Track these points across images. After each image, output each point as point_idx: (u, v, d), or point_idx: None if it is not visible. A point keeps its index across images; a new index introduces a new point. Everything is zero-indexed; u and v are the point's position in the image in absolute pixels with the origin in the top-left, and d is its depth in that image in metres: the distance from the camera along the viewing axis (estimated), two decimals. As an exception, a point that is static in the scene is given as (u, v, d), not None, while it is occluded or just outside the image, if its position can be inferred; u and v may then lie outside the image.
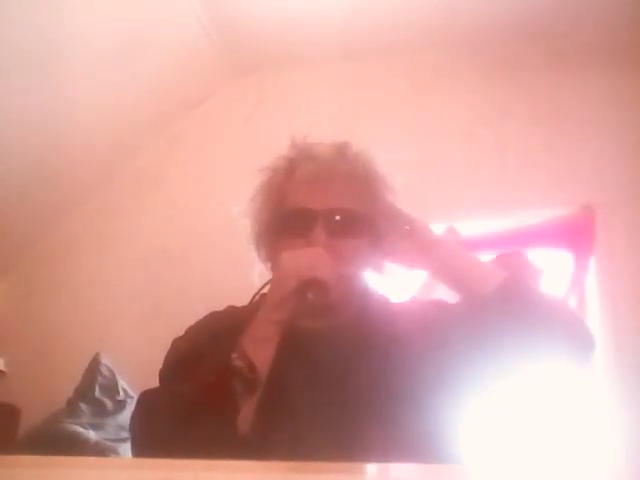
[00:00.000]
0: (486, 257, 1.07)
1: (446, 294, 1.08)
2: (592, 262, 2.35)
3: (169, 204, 2.81)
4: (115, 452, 2.23)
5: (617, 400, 2.16)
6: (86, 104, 2.51)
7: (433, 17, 2.52)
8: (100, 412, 2.39)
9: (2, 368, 2.66)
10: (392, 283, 1.13)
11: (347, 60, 2.77)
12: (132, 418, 0.94)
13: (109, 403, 2.41)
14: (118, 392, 2.45)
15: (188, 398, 0.86)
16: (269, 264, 1.05)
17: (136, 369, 2.39)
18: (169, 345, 1.05)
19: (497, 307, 0.93)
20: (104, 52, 2.38)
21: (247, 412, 0.86)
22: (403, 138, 2.52)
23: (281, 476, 0.53)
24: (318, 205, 0.97)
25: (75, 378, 2.47)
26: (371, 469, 0.58)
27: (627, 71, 2.46)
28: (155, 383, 1.00)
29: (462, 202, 2.45)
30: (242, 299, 1.06)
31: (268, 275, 1.05)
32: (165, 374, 1.00)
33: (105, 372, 2.48)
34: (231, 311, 1.08)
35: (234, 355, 0.86)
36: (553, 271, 2.46)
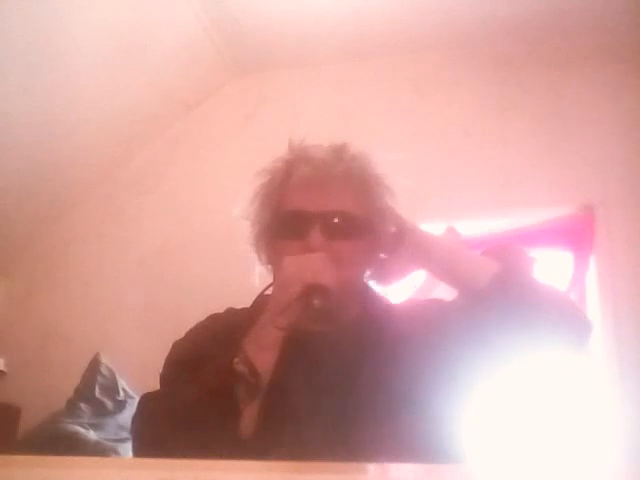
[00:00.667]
0: (479, 250, 1.08)
1: (445, 292, 1.08)
2: (592, 262, 2.35)
3: (169, 204, 2.81)
4: (115, 452, 2.23)
5: (618, 397, 2.16)
6: (86, 104, 2.51)
7: (433, 17, 2.52)
8: (100, 412, 2.39)
9: (2, 368, 2.66)
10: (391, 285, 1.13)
11: (347, 60, 2.77)
12: (133, 421, 0.94)
13: (109, 403, 2.41)
14: (118, 392, 2.45)
15: (190, 402, 0.85)
16: (270, 266, 1.05)
17: (136, 369, 2.39)
18: (169, 345, 1.04)
19: (493, 297, 0.93)
20: (104, 52, 2.38)
21: (249, 416, 0.85)
22: (403, 138, 2.53)
23: (281, 476, 0.53)
24: (315, 207, 0.97)
25: (75, 378, 2.47)
26: (371, 469, 0.57)
27: (627, 71, 2.47)
28: (155, 383, 1.00)
29: (462, 202, 2.45)
30: (242, 300, 1.06)
31: (268, 276, 1.05)
32: (166, 377, 1.00)
33: (105, 372, 2.48)
34: (232, 313, 1.08)
35: (236, 359, 0.86)
36: (553, 271, 2.46)
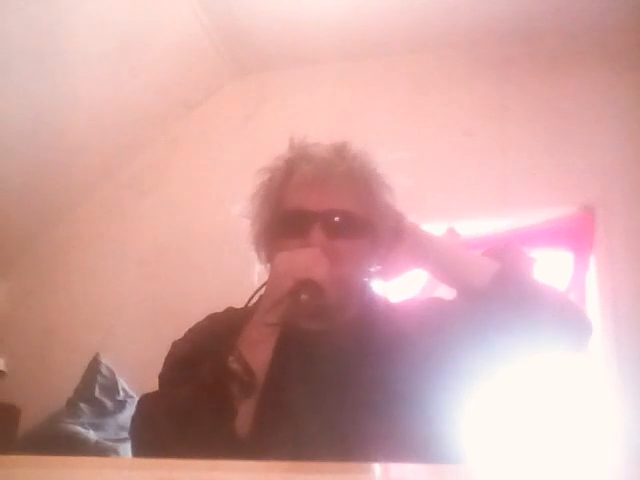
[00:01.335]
0: (479, 250, 1.08)
1: (447, 292, 1.08)
2: (592, 262, 2.35)
3: (169, 204, 2.81)
4: (115, 452, 2.23)
5: (618, 397, 2.16)
6: (86, 104, 2.51)
7: (433, 17, 2.52)
8: (100, 412, 2.39)
9: (2, 368, 2.66)
10: (392, 283, 1.13)
11: (347, 60, 2.77)
12: (132, 422, 0.95)
13: (109, 403, 2.42)
14: (118, 392, 2.45)
15: (185, 402, 0.86)
16: (268, 265, 1.04)
17: (136, 369, 2.39)
18: (169, 345, 1.05)
19: (493, 297, 0.94)
20: (104, 52, 2.38)
21: (245, 415, 0.85)
22: (403, 138, 2.53)
23: (281, 476, 0.53)
24: (316, 206, 0.97)
25: (75, 378, 2.47)
26: (371, 469, 0.57)
27: (627, 71, 2.46)
28: (155, 383, 1.00)
29: (462, 202, 2.45)
30: (242, 299, 1.06)
31: (267, 276, 1.05)
32: (165, 377, 1.00)
33: (105, 372, 2.48)
34: (231, 313, 1.07)
35: (231, 358, 0.86)
36: (553, 271, 2.46)
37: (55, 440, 2.19)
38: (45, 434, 2.24)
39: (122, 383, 2.48)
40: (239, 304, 1.08)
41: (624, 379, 2.16)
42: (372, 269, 1.05)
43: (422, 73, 2.72)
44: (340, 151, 1.02)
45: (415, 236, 1.03)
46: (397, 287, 1.16)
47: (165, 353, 1.03)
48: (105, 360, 2.52)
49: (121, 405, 2.42)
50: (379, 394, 0.91)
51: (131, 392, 2.46)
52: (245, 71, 2.92)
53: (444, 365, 0.93)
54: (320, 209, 0.97)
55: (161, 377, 1.00)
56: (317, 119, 2.53)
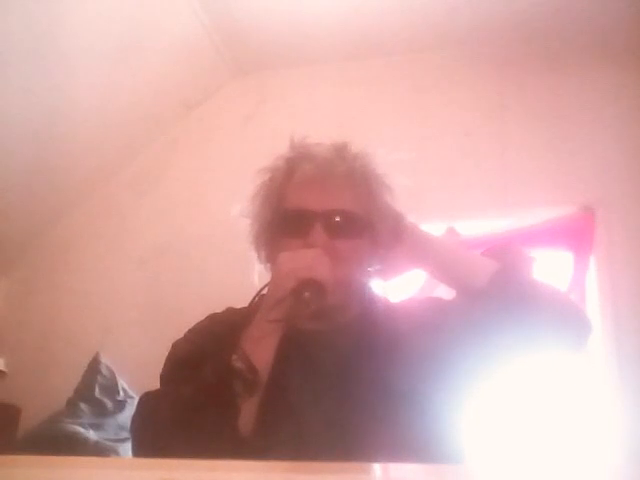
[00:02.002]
0: (478, 250, 1.08)
1: (446, 292, 1.08)
2: (592, 262, 2.35)
3: (169, 204, 2.81)
4: (115, 452, 2.23)
5: (618, 397, 2.16)
6: (86, 104, 2.51)
7: (433, 17, 2.52)
8: (100, 412, 2.39)
9: (2, 368, 2.66)
10: (392, 283, 1.13)
11: (347, 60, 2.77)
12: (133, 420, 0.94)
13: (109, 403, 2.41)
14: (118, 392, 2.45)
15: (188, 400, 0.86)
16: (268, 265, 1.05)
17: (136, 369, 2.39)
18: (169, 345, 1.05)
19: (492, 297, 0.93)
20: (104, 52, 2.38)
21: (248, 413, 0.86)
22: (403, 138, 2.53)
23: (281, 476, 0.53)
24: (317, 206, 0.97)
25: (75, 378, 2.47)
26: (371, 469, 0.58)
27: (627, 71, 2.47)
28: (155, 383, 1.00)
29: (462, 202, 2.45)
30: (242, 299, 1.06)
31: (267, 276, 1.05)
32: (166, 376, 1.00)
33: (105, 372, 2.48)
34: (231, 313, 1.08)
35: (234, 356, 0.86)
36: (553, 271, 2.46)
37: (55, 440, 2.19)
38: (45, 434, 2.24)
39: (122, 383, 2.48)
40: (239, 304, 1.09)
41: (624, 378, 2.16)
42: (372, 269, 1.05)
43: (422, 73, 2.72)
44: (341, 151, 1.02)
45: (415, 236, 1.03)
46: (396, 287, 1.16)
47: (165, 353, 1.03)
48: (105, 360, 2.52)
49: (121, 405, 2.42)
50: (380, 394, 0.91)
51: (131, 392, 2.46)
52: (245, 71, 2.92)
53: (444, 365, 0.94)
54: (321, 209, 0.97)
55: (162, 377, 1.00)
56: (317, 119, 2.53)
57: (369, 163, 1.03)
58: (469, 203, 2.45)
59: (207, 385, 0.86)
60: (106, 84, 2.50)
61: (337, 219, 0.97)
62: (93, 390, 2.42)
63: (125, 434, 2.32)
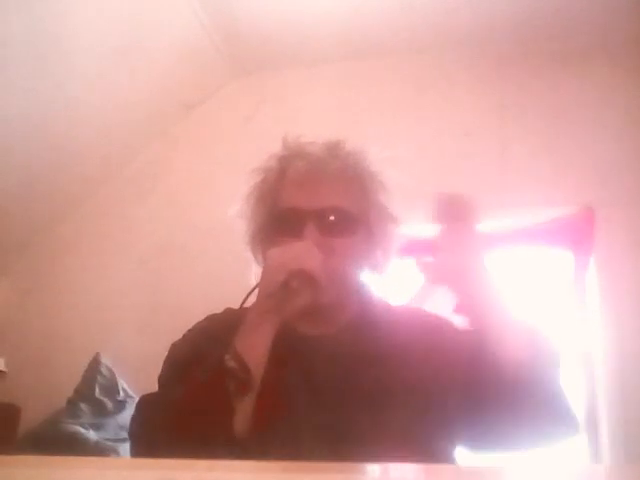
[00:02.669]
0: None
1: (443, 299, 1.05)
2: (592, 261, 2.35)
3: (169, 204, 2.81)
4: (115, 452, 2.23)
5: (618, 398, 2.16)
6: (86, 103, 2.51)
7: (433, 17, 2.52)
8: (100, 412, 2.39)
9: (2, 368, 2.66)
10: (389, 283, 1.11)
11: (347, 60, 2.77)
12: (131, 424, 0.94)
13: (109, 403, 2.42)
14: (118, 392, 2.45)
15: (182, 403, 0.85)
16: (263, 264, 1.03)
17: (136, 369, 2.39)
18: (169, 345, 1.04)
19: (508, 383, 0.85)
20: (104, 52, 2.38)
21: (243, 414, 0.84)
22: (403, 138, 2.52)
23: (281, 476, 0.53)
24: (310, 204, 0.96)
25: (75, 378, 2.47)
26: (371, 469, 0.57)
27: (627, 71, 2.46)
28: (155, 383, 1.00)
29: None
30: (241, 298, 1.06)
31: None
32: (163, 379, 1.00)
33: (105, 372, 2.48)
34: (230, 313, 1.07)
35: (226, 356, 0.85)
36: (553, 271, 2.47)
37: (55, 440, 2.19)
38: (45, 434, 2.24)
39: (122, 383, 2.48)
40: (238, 303, 1.08)
41: (624, 378, 2.16)
42: (367, 268, 1.03)
43: (422, 73, 2.72)
44: (333, 149, 1.02)
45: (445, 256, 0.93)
46: (392, 288, 1.13)
47: (165, 353, 1.03)
48: (105, 360, 2.52)
49: (121, 405, 2.42)
50: (378, 397, 0.90)
51: (131, 392, 2.46)
52: (245, 71, 2.92)
53: (441, 387, 0.91)
54: (313, 207, 0.96)
55: (160, 379, 1.00)
56: (317, 119, 2.53)
57: (363, 160, 1.02)
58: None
59: (200, 386, 0.85)
60: (106, 84, 2.50)
61: (331, 217, 0.96)
62: (93, 390, 2.42)
63: (125, 434, 2.31)
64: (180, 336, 1.06)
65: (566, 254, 2.40)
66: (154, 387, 0.99)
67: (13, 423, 2.42)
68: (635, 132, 2.40)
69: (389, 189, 1.03)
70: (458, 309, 0.92)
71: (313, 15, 2.54)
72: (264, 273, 0.92)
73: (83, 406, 2.38)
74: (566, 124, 2.50)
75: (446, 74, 2.70)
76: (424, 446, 0.86)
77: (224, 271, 2.43)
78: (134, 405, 0.96)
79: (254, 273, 1.03)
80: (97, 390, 2.42)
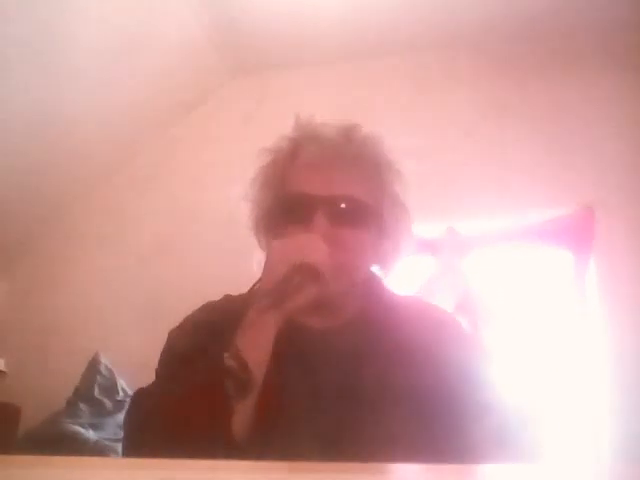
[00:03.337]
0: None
1: (449, 291, 1.05)
2: (592, 261, 2.35)
3: (169, 204, 2.81)
4: (115, 452, 2.23)
5: (617, 398, 2.16)
6: (86, 103, 2.51)
7: (434, 17, 2.52)
8: (100, 412, 2.39)
9: (2, 368, 2.66)
10: (397, 278, 1.05)
11: (348, 60, 2.77)
12: (125, 416, 0.90)
13: (108, 403, 2.41)
14: (117, 392, 2.45)
15: (180, 401, 0.80)
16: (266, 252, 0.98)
17: (136, 369, 2.38)
18: (167, 343, 1.03)
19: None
20: (104, 52, 2.38)
21: (242, 415, 0.81)
22: (404, 137, 2.52)
23: (281, 476, 0.53)
24: (320, 191, 0.90)
25: (75, 378, 2.47)
26: (371, 469, 0.57)
27: (627, 71, 2.46)
28: (155, 383, 0.99)
29: (463, 202, 2.45)
30: (242, 298, 1.05)
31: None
32: (161, 371, 0.96)
33: (105, 372, 2.48)
34: (228, 301, 1.01)
35: (226, 355, 0.80)
36: (553, 270, 2.47)
37: (55, 440, 2.19)
38: (45, 434, 2.24)
39: (122, 383, 2.48)
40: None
41: (624, 378, 2.16)
42: (376, 262, 0.98)
43: (423, 73, 2.73)
44: (348, 133, 0.96)
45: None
46: (399, 283, 1.09)
47: (164, 353, 1.02)
48: (105, 360, 2.52)
49: (121, 405, 2.42)
50: (381, 394, 0.89)
51: (131, 392, 2.46)
52: (245, 71, 2.92)
53: (447, 384, 0.89)
54: (325, 194, 0.89)
55: (157, 370, 0.96)
56: (317, 119, 2.53)
57: (380, 147, 0.97)
58: (469, 203, 2.45)
59: (198, 385, 0.81)
60: (106, 84, 2.50)
61: (342, 206, 0.90)
62: (93, 390, 2.42)
63: (125, 434, 2.32)
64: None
65: (566, 254, 2.40)
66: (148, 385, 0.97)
67: (13, 423, 2.42)
68: (635, 132, 2.40)
69: (405, 179, 0.97)
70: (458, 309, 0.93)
71: (313, 15, 2.54)
72: (266, 266, 0.87)
73: (82, 406, 2.38)
74: (566, 124, 2.50)
75: (447, 74, 2.70)
76: (425, 445, 0.86)
77: (224, 270, 2.43)
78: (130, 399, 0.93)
79: (256, 261, 0.98)
80: (96, 390, 2.42)
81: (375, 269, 1.00)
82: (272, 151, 0.99)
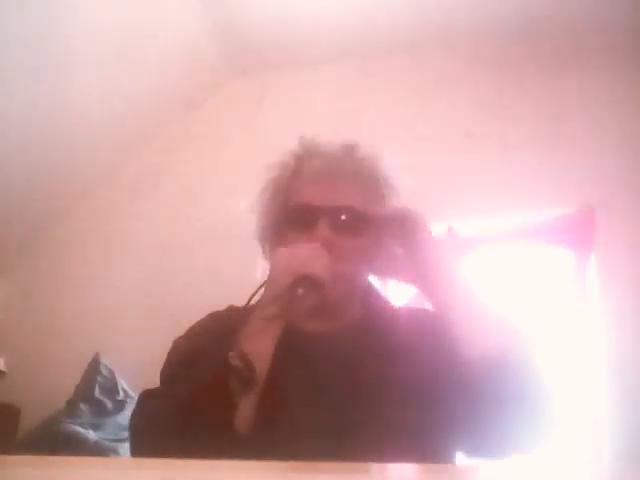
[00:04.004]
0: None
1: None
2: (592, 260, 2.35)
3: (170, 204, 2.82)
4: (115, 452, 2.23)
5: (617, 397, 2.16)
6: (86, 104, 2.51)
7: (434, 17, 2.52)
8: (100, 412, 2.39)
9: (2, 368, 2.66)
10: (395, 286, 1.10)
11: (348, 60, 2.77)
12: (131, 418, 0.94)
13: (109, 403, 2.41)
14: (118, 392, 2.45)
15: (186, 399, 0.85)
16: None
17: (136, 369, 2.39)
18: (169, 345, 1.04)
19: (476, 373, 0.85)
20: (105, 52, 2.39)
21: (246, 412, 0.84)
22: (404, 138, 2.52)
23: (281, 476, 0.53)
24: (323, 202, 0.97)
25: (75, 378, 2.47)
26: (371, 469, 0.57)
27: (627, 71, 2.47)
28: (155, 383, 1.00)
29: (463, 202, 2.45)
30: (244, 298, 1.05)
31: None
32: (166, 374, 1.00)
33: (105, 372, 2.48)
34: (232, 310, 1.07)
35: (231, 353, 0.85)
36: (554, 270, 2.47)
37: (55, 440, 2.19)
38: (45, 434, 2.24)
39: (122, 383, 2.48)
40: (241, 302, 1.08)
41: (624, 377, 2.16)
42: (375, 270, 1.05)
43: (423, 74, 2.73)
44: (350, 150, 1.03)
45: (426, 254, 0.95)
46: (396, 290, 1.13)
47: (165, 353, 1.03)
48: (105, 360, 2.52)
49: (121, 405, 2.42)
50: (380, 395, 0.91)
51: (131, 392, 2.46)
52: (245, 71, 2.92)
53: (445, 382, 0.89)
54: (327, 204, 0.96)
55: (162, 374, 1.00)
56: (317, 119, 2.53)
57: (377, 164, 1.04)
58: (469, 203, 2.45)
59: (204, 383, 0.85)
60: (106, 84, 2.50)
61: (343, 216, 0.97)
62: (93, 390, 2.42)
63: (125, 434, 2.31)
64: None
65: (567, 253, 2.40)
66: (154, 387, 0.98)
67: (13, 423, 2.42)
68: (635, 132, 2.40)
69: (401, 194, 1.04)
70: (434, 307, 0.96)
71: (313, 15, 2.54)
72: (271, 274, 0.92)
73: (83, 406, 2.38)
74: (566, 124, 2.50)
75: (446, 74, 2.70)
76: (425, 445, 0.86)
77: (224, 271, 2.44)
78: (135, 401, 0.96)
79: (260, 269, 1.03)
80: (97, 390, 2.42)
81: (374, 277, 1.06)
82: (278, 166, 1.06)
